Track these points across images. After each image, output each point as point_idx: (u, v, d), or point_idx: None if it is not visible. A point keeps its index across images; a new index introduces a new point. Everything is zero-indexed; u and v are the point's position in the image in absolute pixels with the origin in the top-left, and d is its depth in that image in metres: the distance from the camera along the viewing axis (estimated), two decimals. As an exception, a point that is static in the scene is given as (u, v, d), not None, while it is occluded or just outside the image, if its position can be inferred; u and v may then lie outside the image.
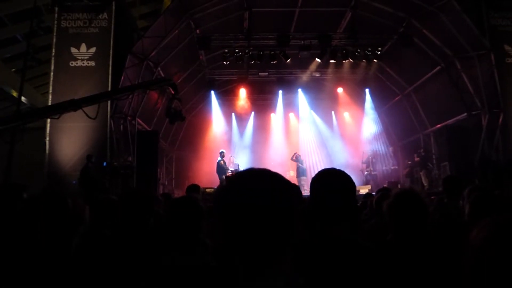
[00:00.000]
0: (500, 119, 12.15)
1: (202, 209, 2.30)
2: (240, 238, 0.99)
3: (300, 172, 15.77)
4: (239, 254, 1.00)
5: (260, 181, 1.05)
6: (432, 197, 5.96)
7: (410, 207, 2.27)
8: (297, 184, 14.69)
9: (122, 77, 11.86)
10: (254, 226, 0.98)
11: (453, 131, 13.32)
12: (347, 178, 1.93)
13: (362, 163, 16.63)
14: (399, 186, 13.39)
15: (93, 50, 12.55)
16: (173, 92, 10.41)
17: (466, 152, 12.39)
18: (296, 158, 16.06)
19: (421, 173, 14.69)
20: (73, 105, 7.05)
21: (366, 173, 16.27)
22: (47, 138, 11.86)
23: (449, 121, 14.04)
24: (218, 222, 1.04)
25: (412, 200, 2.29)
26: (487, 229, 0.89)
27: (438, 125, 14.82)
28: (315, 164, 18.39)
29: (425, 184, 14.18)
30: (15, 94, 15.20)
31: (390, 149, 17.75)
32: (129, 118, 12.68)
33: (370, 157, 16.47)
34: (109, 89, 11.97)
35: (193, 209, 2.28)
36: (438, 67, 13.98)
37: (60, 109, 7.08)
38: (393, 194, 2.39)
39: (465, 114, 13.08)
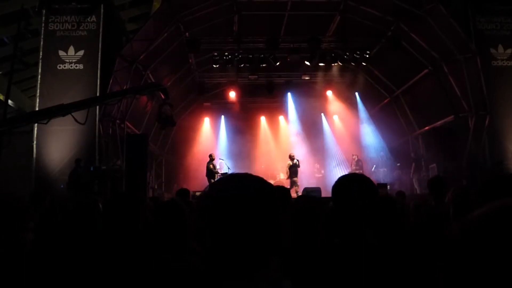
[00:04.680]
0: (487, 122, 12.33)
1: (186, 214, 2.31)
2: (225, 244, 1.00)
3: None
4: (224, 259, 1.01)
5: (243, 187, 1.06)
6: (420, 199, 6.02)
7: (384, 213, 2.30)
8: (289, 185, 14.69)
9: (111, 81, 11.79)
10: (237, 232, 0.99)
11: (440, 133, 13.48)
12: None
13: (351, 165, 16.70)
14: (388, 187, 13.47)
15: (81, 53, 12.47)
16: (163, 97, 10.36)
17: (454, 154, 12.53)
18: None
19: (413, 176, 14.76)
20: (62, 110, 6.99)
21: None
22: (35, 142, 11.73)
23: (437, 124, 14.19)
24: (202, 227, 1.04)
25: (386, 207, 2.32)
26: (456, 230, 0.90)
27: (426, 127, 14.97)
28: (305, 167, 18.41)
29: (417, 187, 14.28)
30: (1, 97, 15.01)
31: (379, 151, 17.86)
32: (118, 121, 12.59)
33: (353, 160, 16.55)
34: (98, 92, 11.89)
35: (177, 214, 2.28)
36: (426, 70, 14.14)
37: (48, 114, 7.00)
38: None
39: (452, 116, 13.24)
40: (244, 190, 1.05)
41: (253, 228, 1.00)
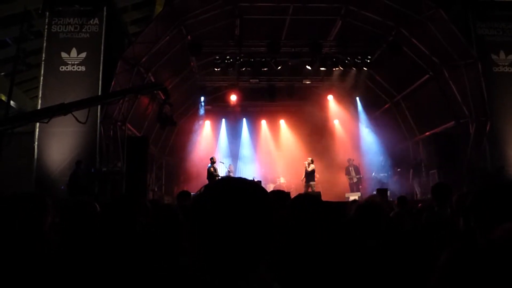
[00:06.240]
0: (487, 127, 12.32)
1: (179, 217, 2.33)
2: (217, 246, 1.01)
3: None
4: (216, 261, 1.01)
5: (236, 190, 1.07)
6: (419, 205, 6.00)
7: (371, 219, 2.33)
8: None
9: (113, 83, 11.82)
10: (230, 234, 1.00)
11: (441, 139, 13.45)
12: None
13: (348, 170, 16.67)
14: (388, 193, 13.44)
15: (83, 55, 12.54)
16: (163, 97, 10.40)
17: (454, 159, 12.52)
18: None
19: (414, 181, 14.73)
20: (63, 109, 7.01)
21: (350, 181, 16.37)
22: (36, 143, 11.78)
23: (438, 129, 14.19)
24: (195, 229, 1.05)
25: (373, 212, 2.35)
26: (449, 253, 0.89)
27: (427, 133, 14.97)
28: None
29: (418, 192, 14.25)
30: (4, 98, 15.07)
31: (380, 156, 17.85)
32: (119, 123, 12.61)
33: (349, 165, 16.55)
34: (99, 94, 11.93)
35: (171, 217, 2.31)
36: (427, 76, 14.15)
37: (49, 113, 7.03)
38: (355, 207, 2.46)
39: (453, 122, 13.24)
40: (237, 193, 1.06)
41: (246, 230, 1.01)
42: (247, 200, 1.05)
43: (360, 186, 16.16)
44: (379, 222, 2.32)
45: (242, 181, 1.12)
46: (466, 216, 2.98)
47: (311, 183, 14.93)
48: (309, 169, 15.02)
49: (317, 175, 17.61)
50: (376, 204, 2.46)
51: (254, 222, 1.03)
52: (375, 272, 2.11)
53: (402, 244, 2.35)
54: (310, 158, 15.37)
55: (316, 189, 15.38)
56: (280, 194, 4.39)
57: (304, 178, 15.24)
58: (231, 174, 15.52)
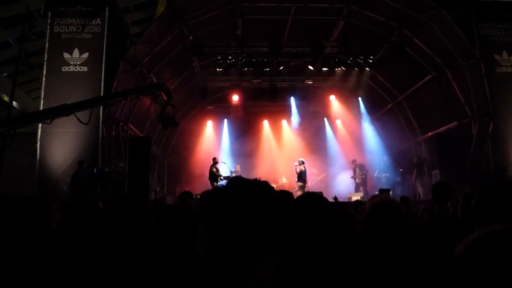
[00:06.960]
0: (490, 128, 12.29)
1: (195, 218, 2.32)
2: (223, 243, 1.00)
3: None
4: (222, 258, 1.01)
5: (246, 189, 1.07)
6: (422, 205, 5.98)
7: (385, 218, 2.25)
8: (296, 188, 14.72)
9: (115, 83, 11.83)
10: (237, 232, 0.99)
11: (444, 139, 13.43)
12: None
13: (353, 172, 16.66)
14: (390, 193, 13.40)
15: (85, 55, 12.54)
16: (166, 98, 10.40)
17: (457, 160, 12.49)
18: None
19: (416, 182, 14.69)
20: (65, 110, 7.02)
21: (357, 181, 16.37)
22: (38, 143, 11.78)
23: (440, 129, 14.15)
24: (202, 225, 1.05)
25: (388, 211, 2.28)
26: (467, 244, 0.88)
27: (429, 133, 14.93)
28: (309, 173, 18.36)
29: (420, 193, 14.22)
30: (6, 99, 15.10)
31: (382, 156, 17.81)
32: (121, 123, 12.62)
33: (355, 166, 16.55)
34: (101, 94, 11.94)
35: (186, 217, 2.29)
36: (429, 76, 14.13)
37: (52, 114, 7.04)
38: (370, 205, 2.36)
39: (456, 122, 13.22)
40: (247, 186, 1.06)
41: (251, 220, 1.01)
42: (255, 192, 1.05)
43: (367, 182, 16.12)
44: (395, 221, 2.26)
45: (251, 182, 1.12)
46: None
47: (299, 183, 14.90)
48: (298, 170, 15.00)
49: (323, 173, 17.72)
50: (392, 202, 2.41)
51: (258, 222, 1.02)
52: (378, 273, 2.09)
53: (411, 245, 2.32)
54: (300, 159, 15.34)
55: (318, 190, 15.35)
56: (283, 194, 4.39)
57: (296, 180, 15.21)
58: (231, 175, 15.50)
